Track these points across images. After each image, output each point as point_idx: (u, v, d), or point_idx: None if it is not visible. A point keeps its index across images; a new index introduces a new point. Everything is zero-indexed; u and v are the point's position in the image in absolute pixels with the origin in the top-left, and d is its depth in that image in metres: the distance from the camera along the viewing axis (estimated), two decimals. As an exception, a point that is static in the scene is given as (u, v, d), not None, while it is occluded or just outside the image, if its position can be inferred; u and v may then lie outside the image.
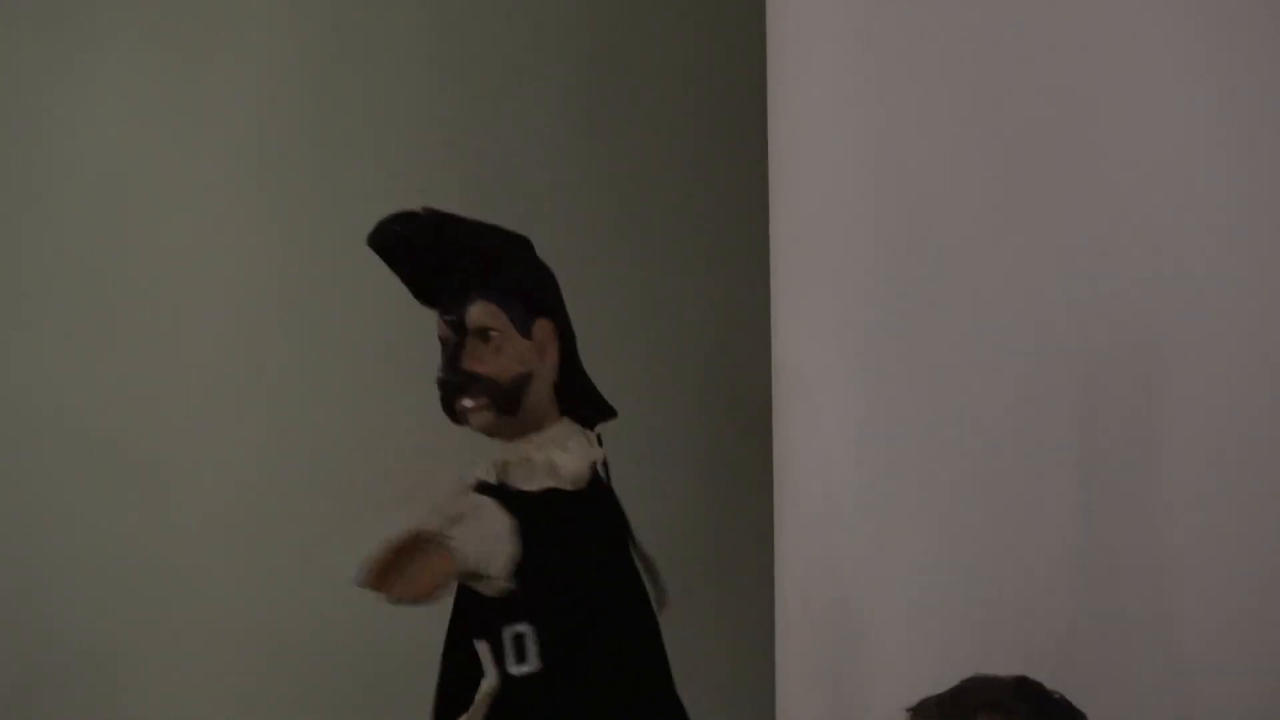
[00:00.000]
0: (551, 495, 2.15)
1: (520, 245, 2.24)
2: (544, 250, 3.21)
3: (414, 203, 3.25)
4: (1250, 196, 2.23)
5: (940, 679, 2.00)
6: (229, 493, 3.02)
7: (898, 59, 2.63)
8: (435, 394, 3.21)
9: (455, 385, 2.19)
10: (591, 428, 2.26)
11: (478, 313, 2.19)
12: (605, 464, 2.23)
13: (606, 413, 2.27)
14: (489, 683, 2.14)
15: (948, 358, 2.54)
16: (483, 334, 2.18)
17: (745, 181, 2.96)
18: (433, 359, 3.25)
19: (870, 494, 2.64)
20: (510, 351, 2.18)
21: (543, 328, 2.20)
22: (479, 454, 3.07)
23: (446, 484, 2.26)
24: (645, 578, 2.23)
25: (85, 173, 3.01)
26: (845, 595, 2.66)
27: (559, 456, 2.18)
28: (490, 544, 2.06)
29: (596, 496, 2.19)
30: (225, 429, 3.02)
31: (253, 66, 3.06)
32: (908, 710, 1.94)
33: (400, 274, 2.25)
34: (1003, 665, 2.00)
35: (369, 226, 3.26)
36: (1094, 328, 2.35)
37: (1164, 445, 2.26)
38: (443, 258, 2.19)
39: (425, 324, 3.16)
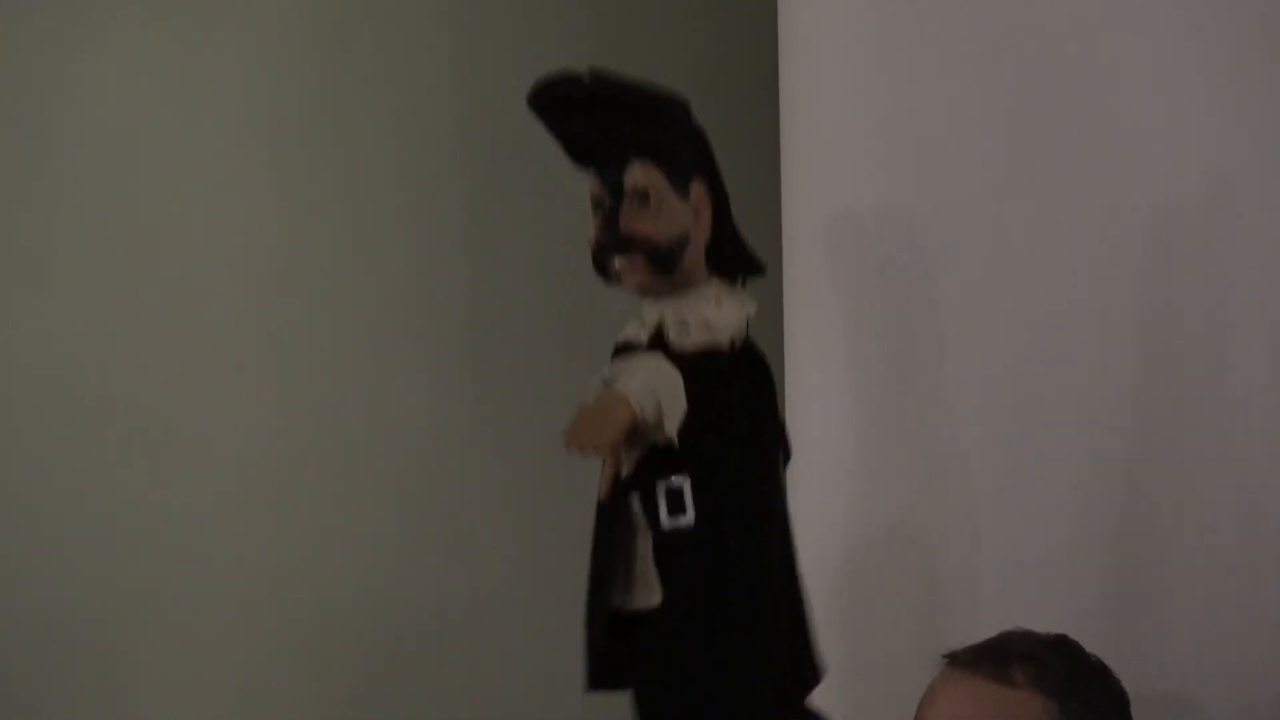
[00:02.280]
0: (708, 351, 2.17)
1: (679, 108, 2.25)
2: (554, 235, 3.22)
3: (424, 175, 3.26)
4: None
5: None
6: (241, 463, 3.00)
7: (915, 52, 2.64)
8: (450, 364, 3.23)
9: (613, 246, 2.19)
10: (741, 284, 2.28)
11: (637, 173, 2.19)
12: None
13: (756, 268, 2.29)
14: (645, 542, 2.17)
15: (961, 345, 2.56)
16: (642, 195, 2.19)
17: (758, 167, 2.97)
18: (446, 327, 3.26)
19: (879, 472, 2.65)
20: (668, 213, 2.20)
21: (697, 190, 2.21)
22: (496, 416, 3.08)
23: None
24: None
25: (95, 141, 2.98)
26: (857, 589, 2.68)
27: (712, 312, 2.20)
28: (665, 393, 2.09)
29: (751, 351, 2.22)
30: (237, 399, 3.00)
31: (265, 35, 3.05)
32: (944, 656, 1.95)
33: (558, 134, 2.24)
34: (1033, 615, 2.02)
35: (379, 205, 3.29)
36: (1109, 315, 2.37)
37: (1173, 444, 2.28)
38: (604, 118, 2.19)
39: (440, 293, 3.17)
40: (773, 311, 2.92)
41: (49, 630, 2.92)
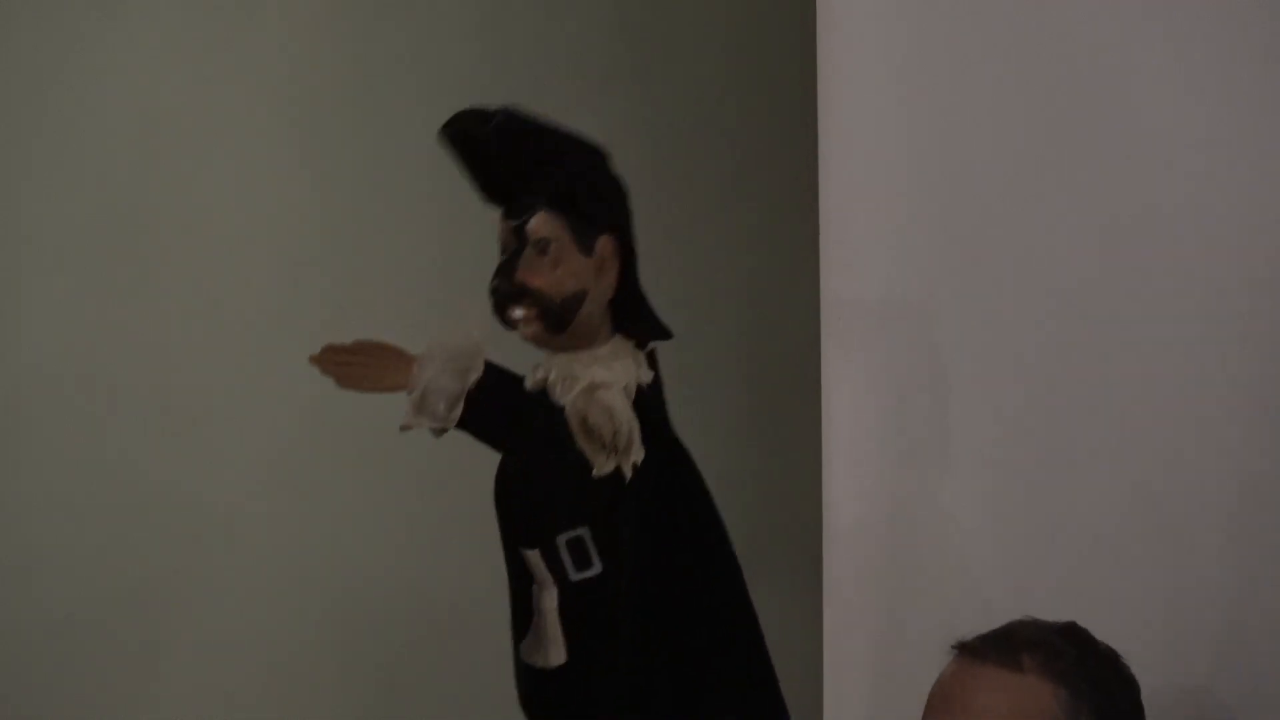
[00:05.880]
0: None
1: (595, 157, 2.23)
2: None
3: (453, 163, 3.26)
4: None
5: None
6: (268, 454, 3.02)
7: (951, 15, 2.63)
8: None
9: (507, 294, 2.19)
10: (643, 347, 2.26)
11: (539, 223, 2.19)
12: (658, 384, 2.23)
13: (660, 333, 2.27)
14: (551, 596, 2.15)
15: (1001, 301, 2.54)
16: (541, 245, 2.18)
17: (792, 126, 2.95)
18: (474, 313, 3.26)
19: (922, 439, 2.63)
20: (567, 267, 2.19)
21: (605, 245, 2.20)
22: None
23: None
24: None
25: (120, 120, 3.01)
26: (896, 545, 2.66)
27: (600, 374, 2.19)
28: (635, 431, 2.12)
29: (640, 411, 2.20)
30: (264, 389, 3.02)
31: (292, 24, 3.07)
32: (952, 646, 1.93)
33: (467, 171, 2.24)
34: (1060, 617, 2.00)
35: (406, 179, 3.28)
36: (1149, 312, 2.35)
37: (1211, 405, 2.25)
38: (514, 162, 2.19)
39: (468, 275, 3.16)
40: (809, 307, 2.91)
41: (74, 619, 2.95)
